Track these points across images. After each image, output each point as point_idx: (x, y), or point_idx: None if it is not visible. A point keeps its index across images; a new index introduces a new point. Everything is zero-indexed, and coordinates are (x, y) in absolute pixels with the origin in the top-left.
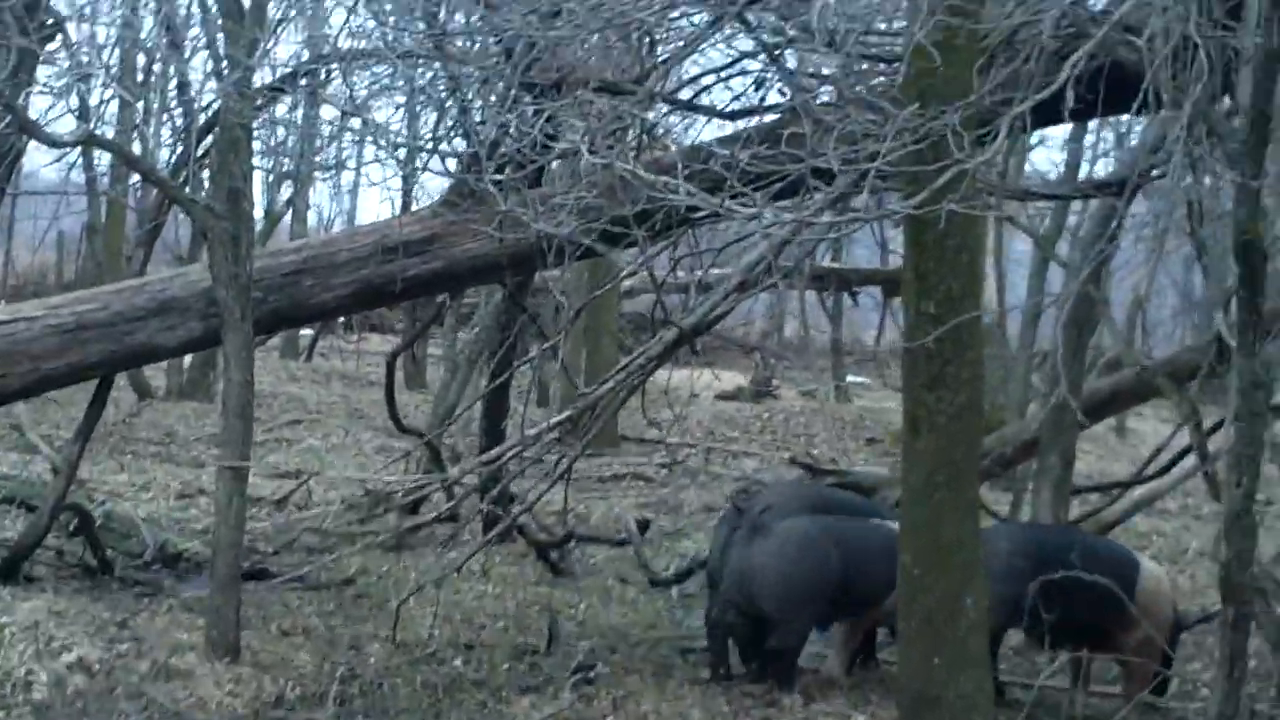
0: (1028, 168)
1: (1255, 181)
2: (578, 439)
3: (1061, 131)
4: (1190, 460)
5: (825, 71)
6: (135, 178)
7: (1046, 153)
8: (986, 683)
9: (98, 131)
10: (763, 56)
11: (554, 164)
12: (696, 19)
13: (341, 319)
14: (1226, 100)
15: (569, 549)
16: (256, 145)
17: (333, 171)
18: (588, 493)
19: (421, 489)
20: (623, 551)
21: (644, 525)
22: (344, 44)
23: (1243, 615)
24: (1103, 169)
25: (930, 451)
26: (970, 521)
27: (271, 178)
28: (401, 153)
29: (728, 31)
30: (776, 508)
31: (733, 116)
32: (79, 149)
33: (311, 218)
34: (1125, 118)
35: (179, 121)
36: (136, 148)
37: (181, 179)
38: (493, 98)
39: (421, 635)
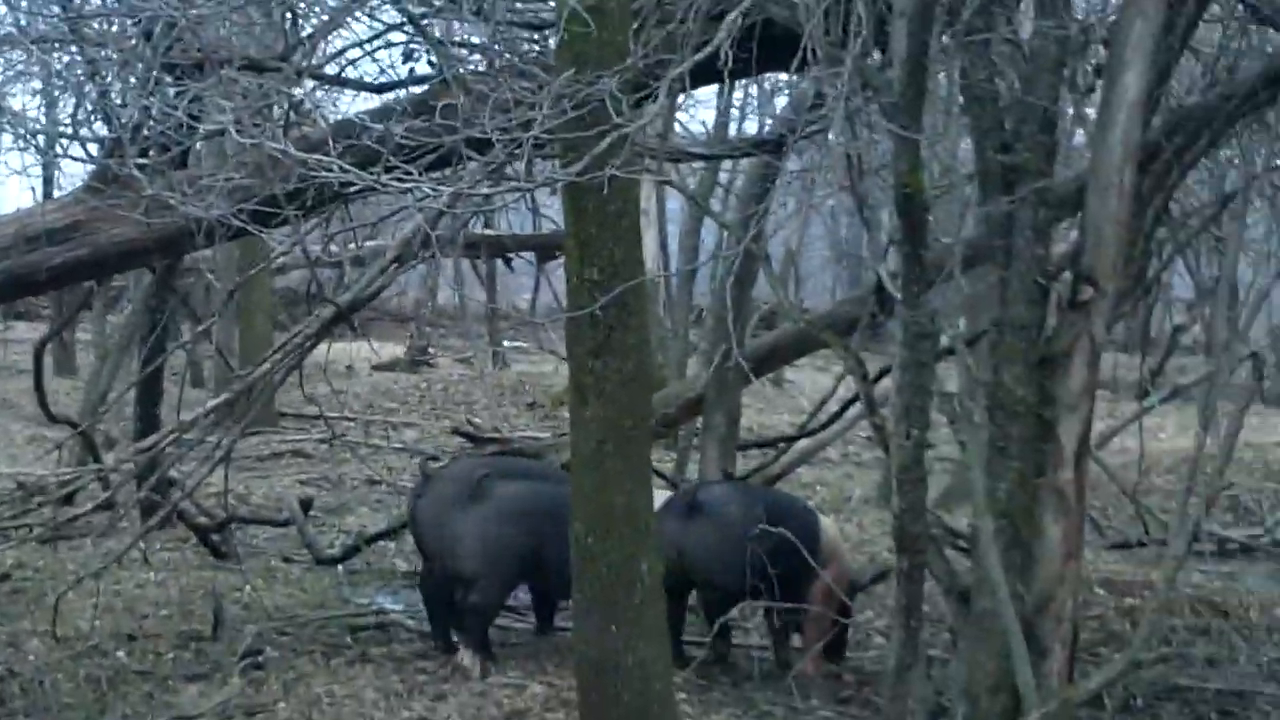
0: (676, 127)
1: (914, 134)
2: (236, 421)
3: (709, 92)
4: (854, 411)
5: (475, 40)
6: None
7: (694, 112)
8: (665, 649)
9: None
10: (409, 27)
11: (200, 145)
12: None
13: None
14: (878, 55)
15: (230, 531)
16: None
17: None
18: (248, 472)
19: (76, 479)
20: (286, 531)
21: (306, 503)
22: None
23: (916, 566)
24: (752, 127)
25: (599, 419)
26: (643, 488)
27: None
28: (40, 139)
29: (373, 3)
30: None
31: (381, 89)
32: None
33: None
34: (778, 76)
35: None
36: None
37: None
38: (133, 80)
39: (83, 628)
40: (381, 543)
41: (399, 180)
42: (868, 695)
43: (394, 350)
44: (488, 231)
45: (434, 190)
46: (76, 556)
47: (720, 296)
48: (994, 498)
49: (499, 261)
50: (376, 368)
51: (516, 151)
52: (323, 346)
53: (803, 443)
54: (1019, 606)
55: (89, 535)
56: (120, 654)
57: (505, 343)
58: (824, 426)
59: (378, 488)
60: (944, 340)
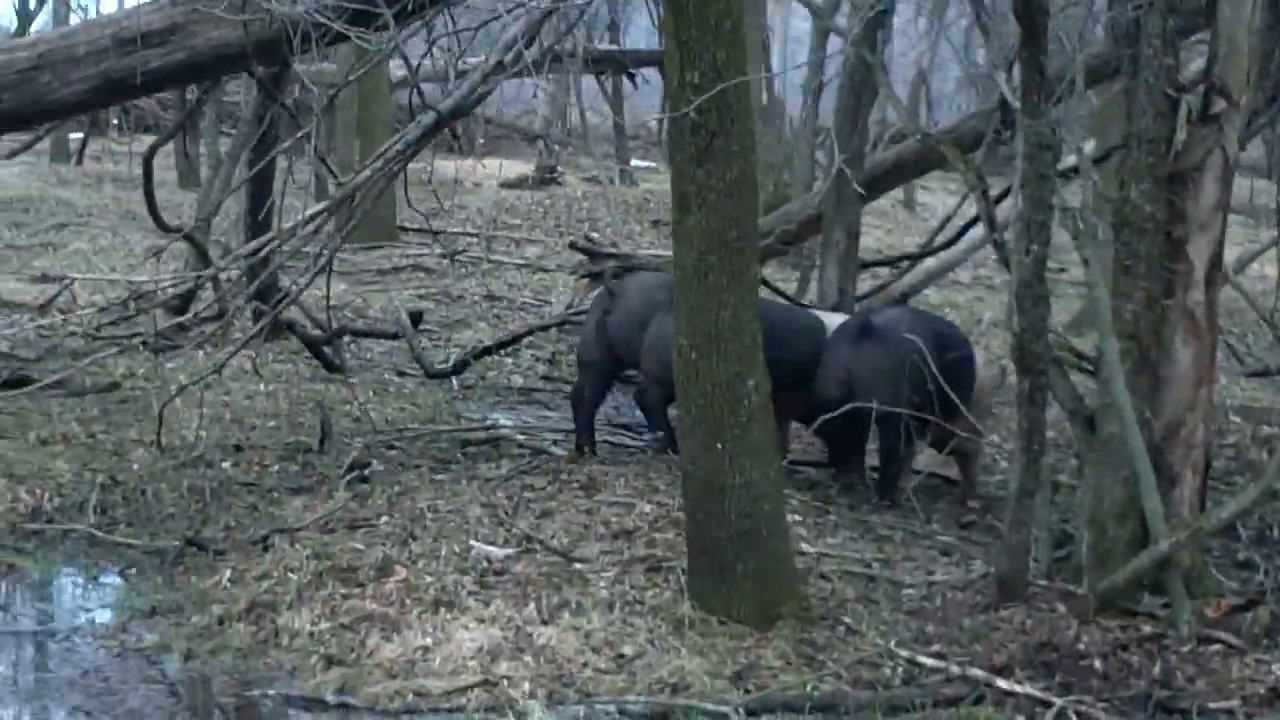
0: None
1: None
2: (338, 230)
3: None
4: (979, 230)
5: None
6: None
7: None
8: (774, 468)
9: None
10: None
11: None
12: None
13: (115, 120)
14: None
15: (342, 344)
16: None
17: None
18: (367, 286)
19: (184, 285)
20: (399, 345)
21: (416, 316)
22: None
23: (1038, 387)
24: None
25: (701, 230)
26: (749, 303)
27: None
28: None
29: None
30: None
31: None
32: None
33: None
34: None
35: None
36: None
37: None
38: None
39: (188, 438)
40: (497, 357)
41: None
42: (990, 520)
43: (523, 168)
44: (611, 47)
45: None
46: (187, 367)
47: (839, 110)
48: (1121, 319)
49: (625, 79)
50: (504, 185)
51: None
52: (450, 162)
53: (929, 263)
54: (1147, 432)
55: (202, 346)
56: (225, 465)
57: (633, 161)
58: (947, 245)
59: (497, 303)
60: (1070, 157)
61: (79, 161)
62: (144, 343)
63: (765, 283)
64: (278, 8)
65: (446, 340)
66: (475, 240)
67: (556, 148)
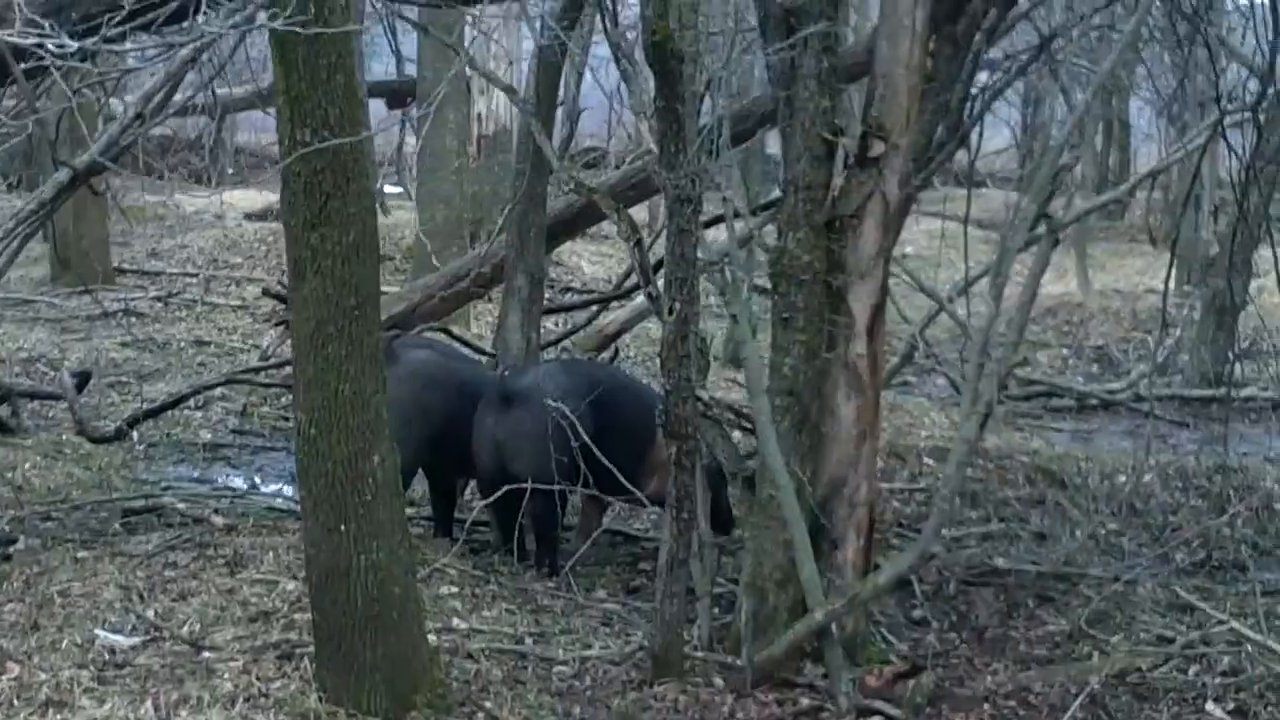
0: None
1: None
2: None
3: None
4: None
5: None
6: None
7: None
8: (403, 549)
9: None
10: None
11: None
12: None
13: None
14: None
15: (19, 403)
16: None
17: None
18: (70, 334)
19: None
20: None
21: (83, 376)
22: None
23: (686, 452)
24: None
25: (318, 298)
26: (372, 374)
27: None
28: None
29: None
30: None
31: None
32: None
33: None
34: None
35: None
36: None
37: None
38: None
39: None
40: (186, 410)
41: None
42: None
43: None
44: None
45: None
46: None
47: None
48: (779, 374)
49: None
50: (248, 216)
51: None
52: (198, 195)
53: (625, 309)
54: (809, 493)
55: None
56: None
57: (386, 187)
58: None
59: (204, 349)
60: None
61: None
62: None
63: (451, 333)
64: None
65: (137, 394)
66: (194, 280)
67: None
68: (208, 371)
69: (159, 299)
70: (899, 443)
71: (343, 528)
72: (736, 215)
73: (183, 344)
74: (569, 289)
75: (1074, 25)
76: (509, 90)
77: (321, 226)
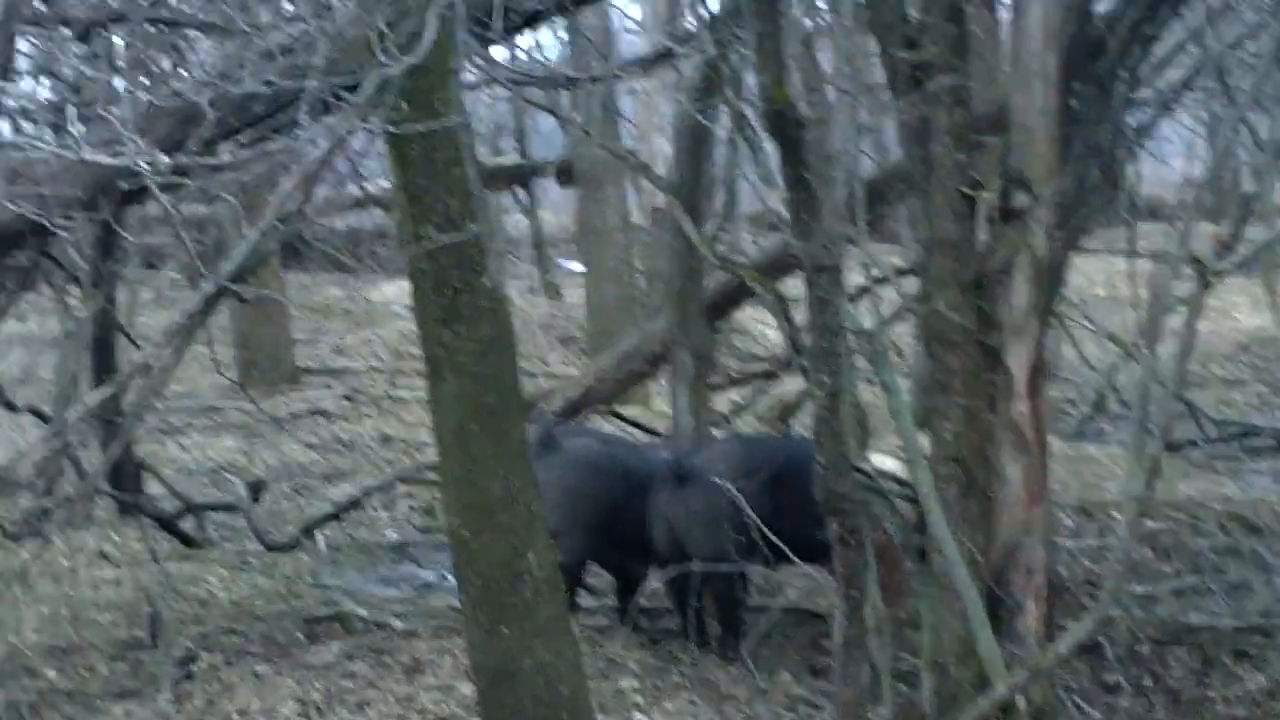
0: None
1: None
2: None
3: None
4: None
5: None
6: None
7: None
8: (569, 648)
9: None
10: None
11: None
12: None
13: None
14: None
15: (204, 515)
16: None
17: None
18: (256, 439)
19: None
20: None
21: (257, 486)
22: None
23: (850, 529)
24: None
25: (457, 396)
26: (519, 470)
27: None
28: None
29: None
30: None
31: None
32: None
33: None
34: None
35: None
36: None
37: None
38: None
39: (18, 643)
40: (370, 511)
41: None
42: None
43: None
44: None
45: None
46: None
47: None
48: (941, 440)
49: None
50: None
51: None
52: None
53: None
54: (980, 562)
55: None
56: (50, 672)
57: (561, 261)
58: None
59: (390, 445)
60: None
61: None
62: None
63: (620, 415)
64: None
65: (323, 497)
66: (381, 374)
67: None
68: (395, 468)
69: (345, 397)
70: (1088, 498)
71: (504, 629)
72: (880, 280)
73: (369, 442)
74: (755, 357)
75: (1240, 42)
76: (642, 168)
77: (454, 323)
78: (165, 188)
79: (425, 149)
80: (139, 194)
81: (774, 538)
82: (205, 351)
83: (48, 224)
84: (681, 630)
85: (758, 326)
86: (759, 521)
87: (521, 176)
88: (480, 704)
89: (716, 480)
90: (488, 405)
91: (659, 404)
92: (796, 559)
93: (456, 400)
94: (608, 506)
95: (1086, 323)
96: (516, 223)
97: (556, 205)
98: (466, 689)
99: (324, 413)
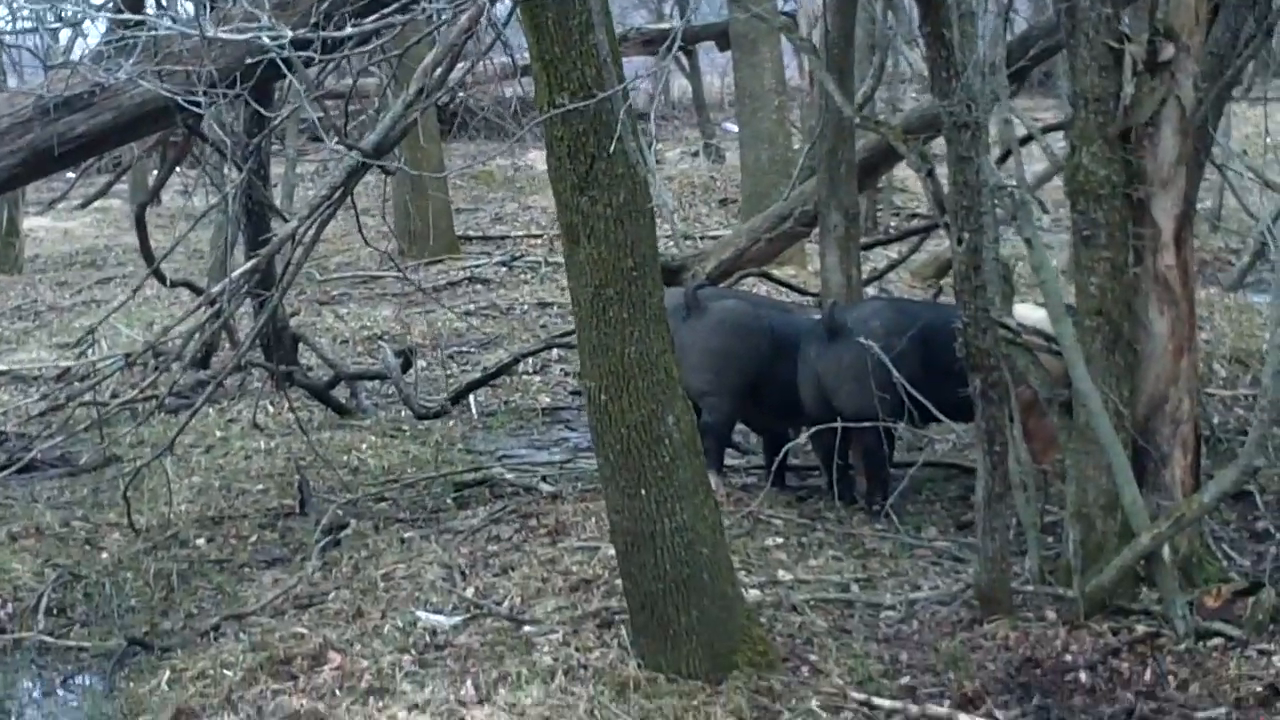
0: None
1: None
2: (278, 282)
3: None
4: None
5: None
6: None
7: None
8: (708, 509)
9: None
10: None
11: None
12: None
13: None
14: None
15: (357, 385)
16: None
17: None
18: (416, 308)
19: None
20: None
21: (407, 355)
22: None
23: (991, 384)
24: None
25: (594, 262)
26: (658, 334)
27: None
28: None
29: None
30: None
31: None
32: None
33: None
34: None
35: None
36: None
37: None
38: None
39: (167, 514)
40: (523, 376)
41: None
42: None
43: None
44: (662, 25)
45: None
46: (201, 426)
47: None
48: (1085, 294)
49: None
50: None
51: None
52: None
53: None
54: (1128, 413)
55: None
56: (200, 541)
57: (725, 124)
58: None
59: (547, 310)
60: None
61: (156, 202)
62: (158, 404)
63: (771, 276)
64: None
65: (478, 364)
66: (538, 242)
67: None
68: (550, 334)
69: (502, 264)
70: (1241, 347)
71: (643, 492)
72: (1027, 138)
73: (526, 308)
74: (914, 215)
75: None
76: (786, 31)
77: (590, 189)
78: (308, 64)
79: (559, 16)
80: (278, 69)
81: (920, 396)
82: (367, 222)
83: (180, 102)
84: (828, 487)
85: (918, 184)
86: (904, 381)
87: (683, 41)
88: (621, 565)
89: (864, 339)
90: (624, 270)
91: (814, 264)
92: (943, 417)
93: (593, 266)
94: (755, 367)
95: (1248, 172)
96: (683, 86)
97: (720, 69)
98: (609, 551)
99: (482, 280)
